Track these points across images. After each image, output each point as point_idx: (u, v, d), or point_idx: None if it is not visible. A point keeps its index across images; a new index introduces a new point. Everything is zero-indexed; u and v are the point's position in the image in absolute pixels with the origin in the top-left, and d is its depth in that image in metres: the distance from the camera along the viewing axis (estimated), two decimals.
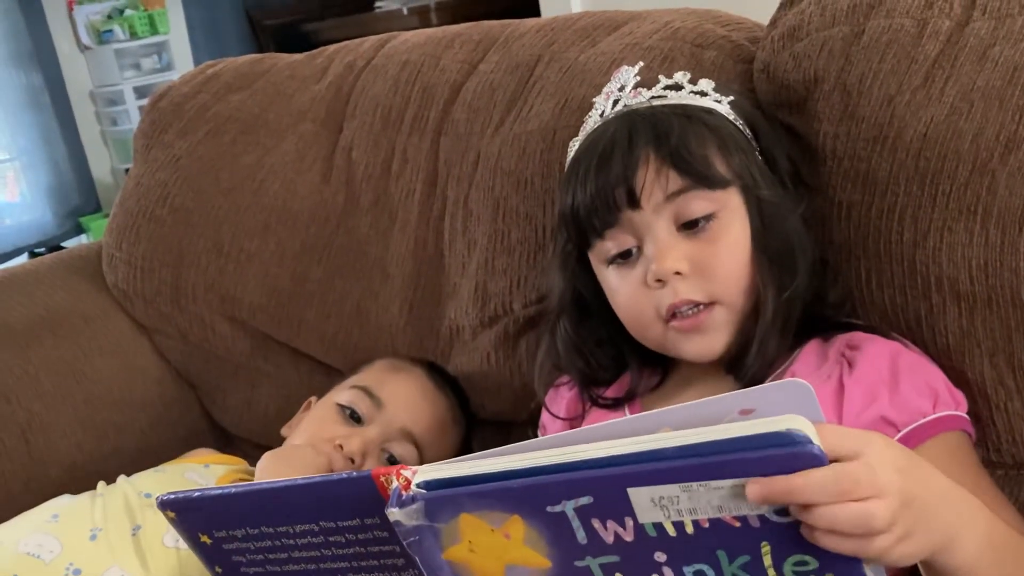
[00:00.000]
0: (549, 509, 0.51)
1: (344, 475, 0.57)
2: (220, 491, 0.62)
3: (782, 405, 0.48)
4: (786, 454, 0.47)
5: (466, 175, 1.09)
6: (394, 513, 0.53)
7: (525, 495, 0.51)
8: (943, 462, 0.70)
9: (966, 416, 0.75)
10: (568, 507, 0.50)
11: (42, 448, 1.16)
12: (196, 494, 0.63)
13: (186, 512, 0.63)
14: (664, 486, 0.48)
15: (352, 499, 0.56)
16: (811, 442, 0.47)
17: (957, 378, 0.77)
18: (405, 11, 3.60)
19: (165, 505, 0.63)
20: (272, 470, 0.90)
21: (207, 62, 1.41)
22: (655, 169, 0.77)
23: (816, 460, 0.48)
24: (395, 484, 0.53)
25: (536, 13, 2.33)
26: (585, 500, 0.50)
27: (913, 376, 0.74)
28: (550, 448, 0.51)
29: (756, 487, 0.48)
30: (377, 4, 3.81)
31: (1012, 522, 0.69)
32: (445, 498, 0.52)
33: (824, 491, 0.49)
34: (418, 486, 0.52)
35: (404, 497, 0.52)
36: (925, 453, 0.71)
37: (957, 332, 0.77)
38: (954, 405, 0.74)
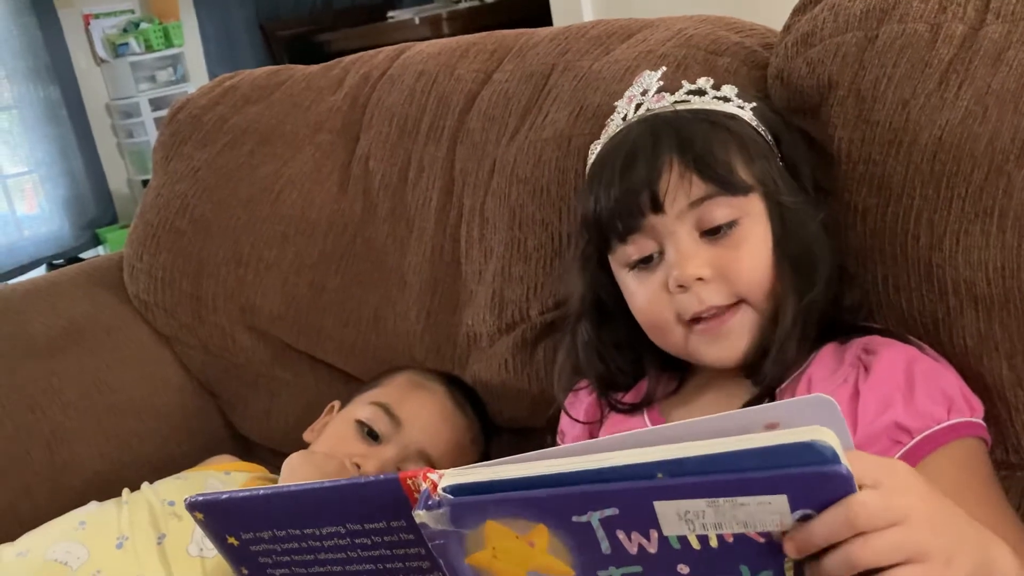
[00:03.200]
0: (575, 519, 0.51)
1: (371, 478, 0.57)
2: (248, 493, 0.63)
3: (807, 420, 0.48)
4: (815, 473, 0.47)
5: (482, 183, 1.10)
6: (421, 515, 0.53)
7: (551, 505, 0.51)
8: (955, 469, 0.72)
9: (981, 422, 0.75)
10: (594, 518, 0.50)
11: (66, 457, 1.17)
12: (224, 496, 0.63)
13: (214, 514, 0.63)
14: (690, 500, 0.48)
15: (379, 501, 0.57)
16: (838, 460, 0.47)
17: (975, 381, 0.77)
18: (417, 21, 3.62)
19: (194, 507, 0.63)
20: (301, 471, 0.91)
21: (224, 74, 1.43)
22: (679, 174, 0.77)
23: (843, 480, 0.47)
24: (424, 487, 0.54)
25: (548, 22, 2.34)
26: (611, 511, 0.50)
27: (928, 383, 0.74)
28: (575, 456, 0.51)
29: (791, 544, 0.49)
30: (390, 14, 3.83)
31: (1016, 534, 0.70)
32: (471, 504, 0.52)
33: (837, 528, 0.49)
34: (444, 490, 0.53)
35: (431, 501, 0.53)
36: (938, 459, 0.71)
37: (975, 335, 0.78)
38: (969, 412, 0.74)
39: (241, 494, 0.62)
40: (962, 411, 0.74)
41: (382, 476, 0.56)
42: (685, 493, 0.48)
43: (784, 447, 0.46)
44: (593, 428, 0.91)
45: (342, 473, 0.92)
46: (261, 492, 0.61)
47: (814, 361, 0.79)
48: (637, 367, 0.89)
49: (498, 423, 1.09)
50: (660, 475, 0.48)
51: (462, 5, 3.63)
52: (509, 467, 0.52)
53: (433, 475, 0.54)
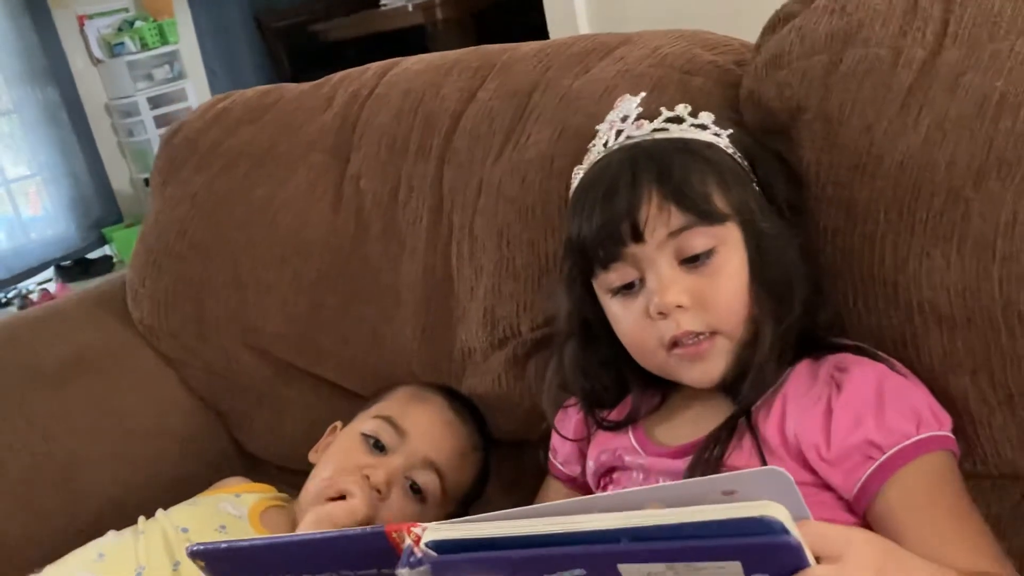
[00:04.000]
0: None
1: (359, 531, 0.61)
2: (247, 543, 0.67)
3: (762, 490, 0.51)
4: (764, 543, 0.50)
5: (470, 203, 1.13)
6: (403, 573, 0.57)
7: (524, 565, 0.54)
8: (925, 481, 0.75)
9: (950, 435, 0.78)
10: None
11: (81, 483, 1.21)
12: (224, 546, 0.67)
13: (215, 562, 0.67)
14: (651, 564, 0.52)
15: (369, 551, 0.61)
16: (787, 531, 0.50)
17: (942, 396, 0.80)
18: (410, 7, 3.62)
19: (195, 555, 0.67)
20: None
21: (217, 96, 1.45)
22: (657, 205, 0.80)
23: (792, 550, 0.51)
24: (407, 542, 0.57)
25: (539, 8, 2.36)
26: (579, 572, 0.53)
27: (898, 399, 0.77)
28: (548, 516, 0.55)
29: None
30: (382, 1, 3.83)
31: (983, 542, 0.73)
32: (450, 563, 0.56)
33: None
34: (427, 545, 0.57)
35: (413, 559, 0.56)
36: (909, 473, 0.75)
37: (940, 352, 0.81)
38: (937, 426, 0.77)
39: (240, 544, 0.66)
40: (931, 425, 0.77)
41: (369, 529, 0.60)
42: (646, 557, 0.52)
43: (735, 520, 0.50)
44: (582, 445, 0.95)
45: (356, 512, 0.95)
46: (258, 542, 0.65)
47: (789, 378, 0.82)
48: (621, 384, 0.92)
49: (495, 436, 1.13)
50: (623, 540, 0.52)
51: None
52: (487, 525, 0.55)
53: (417, 529, 0.57)
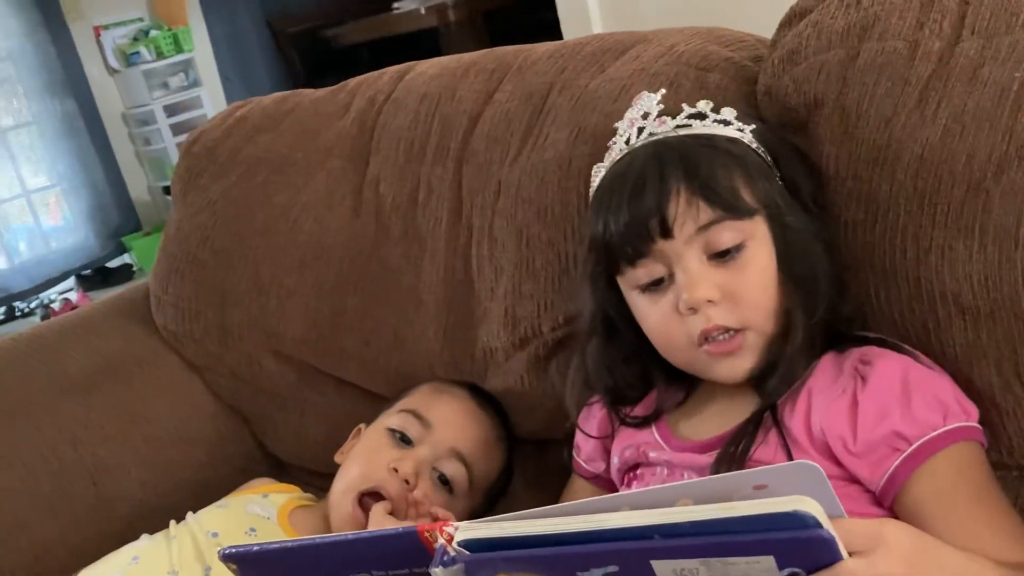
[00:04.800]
0: (579, 574, 0.55)
1: (391, 531, 0.62)
2: (278, 545, 0.68)
3: (793, 484, 0.52)
4: (797, 537, 0.51)
5: (489, 204, 1.13)
6: (437, 572, 0.57)
7: (557, 562, 0.55)
8: (952, 471, 0.75)
9: (977, 425, 0.78)
10: (596, 573, 0.54)
11: (110, 489, 1.23)
12: (256, 548, 0.68)
13: (247, 565, 0.68)
14: (684, 560, 0.53)
15: (401, 551, 0.61)
16: (819, 525, 0.50)
17: (966, 386, 0.80)
18: (423, 11, 3.63)
19: (227, 559, 0.68)
20: None
21: (235, 103, 1.47)
22: (686, 200, 0.80)
23: (825, 544, 0.51)
24: (440, 541, 0.58)
25: (552, 9, 2.36)
26: (612, 568, 0.54)
27: (923, 391, 0.77)
28: (580, 514, 0.55)
29: None
30: (395, 5, 3.84)
31: (1014, 530, 0.73)
32: (484, 561, 0.56)
33: None
34: (459, 544, 0.57)
35: (446, 558, 0.57)
36: (936, 463, 0.75)
37: (963, 343, 0.81)
38: (964, 416, 0.77)
39: (272, 546, 0.66)
40: (957, 416, 0.77)
41: (401, 529, 0.60)
42: (679, 554, 0.52)
43: (768, 516, 0.50)
44: (606, 442, 0.95)
45: None
46: (290, 544, 0.66)
47: (814, 372, 0.82)
48: (645, 380, 0.92)
49: (518, 435, 1.13)
50: (656, 537, 0.52)
51: None
52: (519, 523, 0.56)
53: (449, 528, 0.58)
